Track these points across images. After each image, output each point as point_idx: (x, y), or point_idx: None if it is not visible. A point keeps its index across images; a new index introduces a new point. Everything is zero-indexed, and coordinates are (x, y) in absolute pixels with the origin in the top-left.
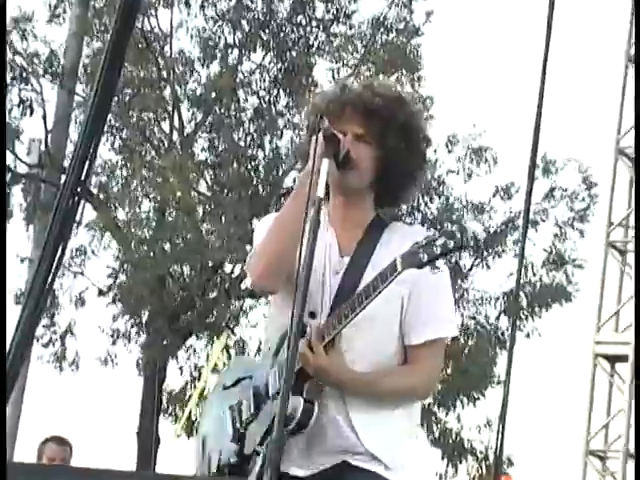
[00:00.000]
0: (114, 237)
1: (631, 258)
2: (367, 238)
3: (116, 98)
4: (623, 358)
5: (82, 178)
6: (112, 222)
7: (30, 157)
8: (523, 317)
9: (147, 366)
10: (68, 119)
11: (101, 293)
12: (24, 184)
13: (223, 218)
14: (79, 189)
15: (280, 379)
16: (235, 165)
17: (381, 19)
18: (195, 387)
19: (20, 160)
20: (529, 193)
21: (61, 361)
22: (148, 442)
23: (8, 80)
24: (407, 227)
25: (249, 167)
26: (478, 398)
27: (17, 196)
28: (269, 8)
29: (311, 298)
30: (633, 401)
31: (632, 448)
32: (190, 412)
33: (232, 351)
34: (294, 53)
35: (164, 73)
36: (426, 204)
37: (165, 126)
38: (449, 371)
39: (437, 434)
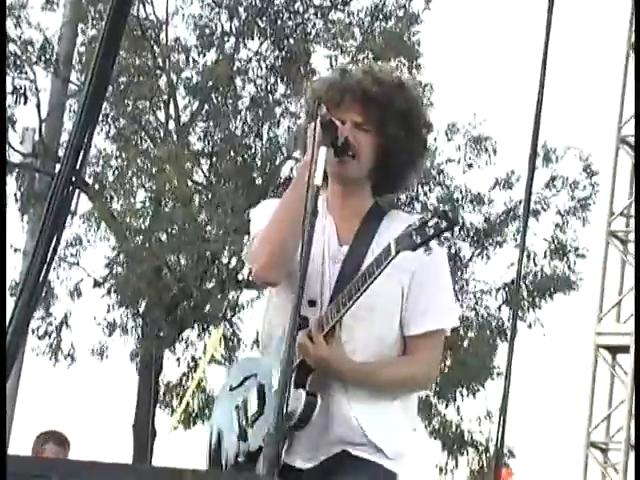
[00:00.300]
0: (109, 228)
1: (632, 247)
2: (366, 226)
3: (111, 86)
4: (625, 349)
5: (77, 167)
6: (107, 212)
7: (24, 146)
8: (525, 308)
9: (143, 358)
10: (62, 107)
11: (96, 284)
12: (18, 173)
13: (220, 208)
14: (74, 178)
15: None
16: (232, 154)
17: (380, 6)
18: (192, 378)
19: (14, 149)
20: (530, 182)
21: (56, 353)
22: (144, 435)
23: None
24: (406, 215)
25: (246, 156)
26: (478, 390)
27: (11, 186)
28: None
29: (310, 287)
30: (635, 392)
31: (634, 440)
32: (187, 404)
33: (230, 342)
34: (292, 41)
35: (160, 61)
36: (425, 194)
37: (161, 115)
38: (449, 362)
39: (437, 426)
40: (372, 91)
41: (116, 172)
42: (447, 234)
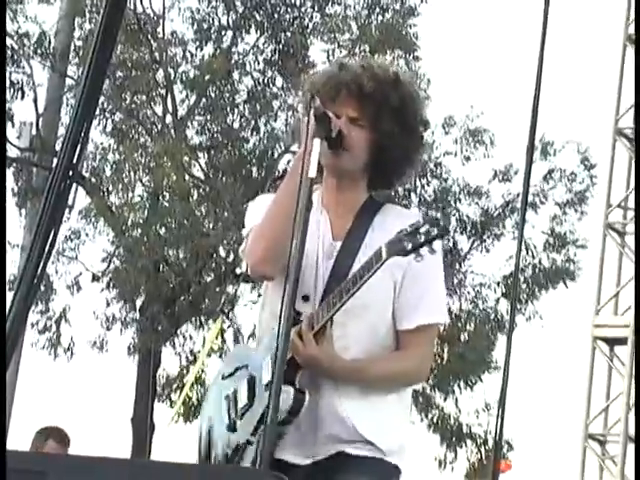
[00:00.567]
0: (107, 222)
1: (630, 239)
2: (359, 222)
3: (108, 81)
4: (622, 341)
5: (74, 161)
6: (105, 207)
7: (21, 140)
8: (523, 300)
9: (142, 352)
10: (60, 102)
11: (95, 278)
12: (15, 168)
13: (218, 202)
14: (71, 173)
15: (273, 368)
16: (229, 148)
17: None
18: (190, 372)
19: (11, 144)
20: (527, 175)
21: (56, 347)
22: (143, 428)
23: None
24: (401, 210)
25: (244, 150)
26: (476, 383)
27: (8, 180)
28: None
29: (304, 282)
30: (633, 384)
31: (632, 431)
32: (186, 397)
33: (227, 336)
34: (289, 34)
35: (157, 55)
36: (423, 187)
37: (158, 109)
38: (447, 356)
39: (435, 419)
40: (367, 87)
41: (114, 166)
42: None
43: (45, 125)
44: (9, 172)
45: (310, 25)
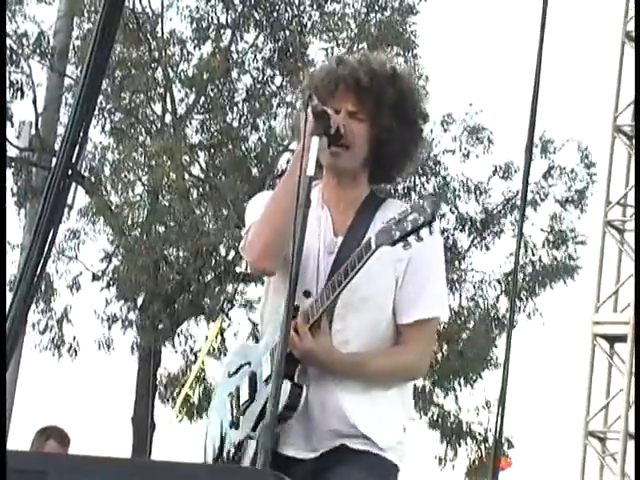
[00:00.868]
0: (107, 221)
1: (629, 237)
2: (360, 217)
3: (107, 80)
4: (622, 338)
5: (73, 160)
6: (105, 206)
7: (21, 140)
8: (523, 298)
9: (142, 351)
10: (59, 101)
11: (95, 278)
12: (15, 168)
13: (217, 200)
14: (70, 172)
15: (272, 363)
16: (229, 146)
17: None
18: (191, 371)
19: (11, 144)
20: (526, 172)
21: (59, 347)
22: (143, 428)
23: None
24: (402, 205)
25: (243, 148)
26: (476, 380)
27: (8, 180)
28: None
29: (306, 278)
30: (633, 381)
31: (632, 429)
32: (186, 396)
33: (227, 335)
34: (287, 32)
35: (155, 54)
36: (423, 185)
37: (157, 108)
38: (447, 353)
39: (436, 417)
40: (364, 81)
41: (113, 165)
42: (442, 224)
43: (44, 125)
44: (8, 172)
45: (309, 23)
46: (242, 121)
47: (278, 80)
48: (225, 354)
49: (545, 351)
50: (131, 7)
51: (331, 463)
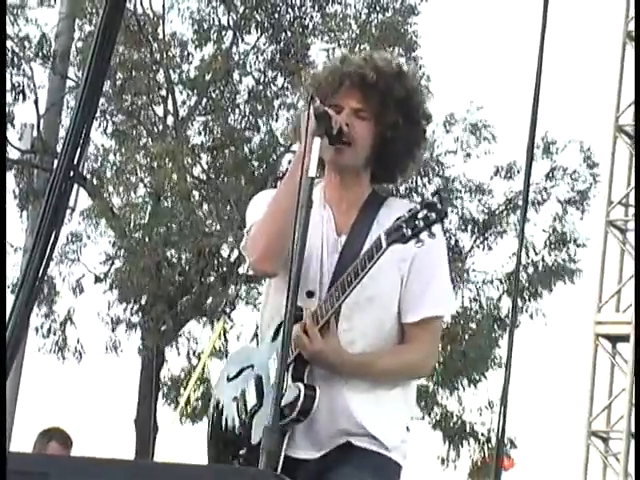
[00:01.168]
0: (109, 223)
1: (631, 236)
2: (363, 216)
3: (109, 82)
4: (624, 338)
5: (75, 163)
6: (107, 208)
7: (22, 142)
8: (526, 298)
9: (145, 352)
10: (60, 104)
11: (98, 280)
12: (17, 170)
13: (219, 202)
14: (72, 174)
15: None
16: (231, 148)
17: None
18: (193, 372)
19: (12, 146)
20: (528, 173)
21: (62, 350)
22: (146, 430)
23: None
24: (405, 202)
25: (245, 150)
26: (479, 380)
27: (10, 182)
28: None
29: (309, 278)
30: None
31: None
32: (188, 398)
33: (229, 336)
34: (289, 34)
35: (157, 56)
36: (424, 185)
37: (159, 110)
38: (450, 353)
39: (438, 417)
40: (371, 78)
41: (115, 168)
42: (445, 224)
43: (46, 127)
44: (10, 174)
45: (310, 25)
46: (244, 122)
47: (280, 81)
48: (227, 356)
49: (548, 351)
50: (132, 9)
51: (335, 463)
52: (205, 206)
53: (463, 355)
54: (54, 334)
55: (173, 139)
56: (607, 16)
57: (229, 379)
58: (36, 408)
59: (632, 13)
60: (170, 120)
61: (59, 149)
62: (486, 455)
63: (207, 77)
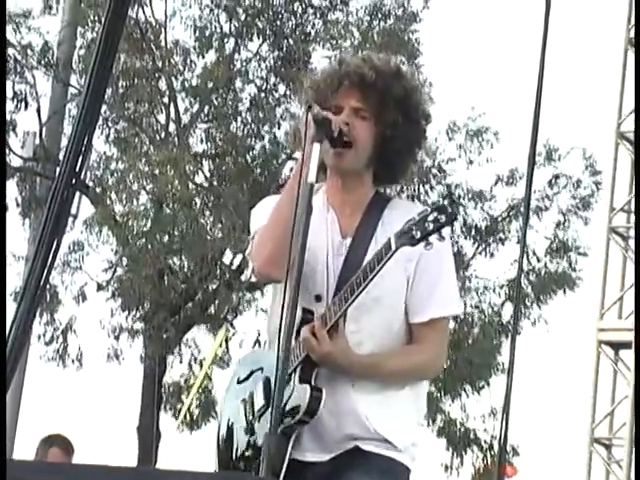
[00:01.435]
0: (112, 231)
1: (633, 243)
2: (368, 217)
3: (111, 90)
4: (627, 345)
5: (77, 170)
6: (109, 216)
7: (25, 150)
8: (528, 305)
9: (147, 360)
10: (63, 111)
11: (100, 288)
12: (19, 178)
13: (222, 210)
14: (74, 181)
15: (289, 368)
16: (233, 155)
17: (378, 5)
18: (196, 380)
19: (15, 154)
20: (529, 180)
21: (64, 358)
22: (149, 437)
23: None
24: (409, 204)
25: (247, 157)
26: (482, 387)
27: (12, 190)
28: None
29: (316, 282)
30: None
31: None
32: (191, 405)
33: (232, 344)
34: (291, 41)
35: (159, 63)
36: (426, 193)
37: (161, 117)
38: (453, 360)
39: (442, 424)
40: (370, 77)
41: (117, 175)
42: (448, 229)
43: (48, 135)
44: (12, 182)
45: (312, 32)
46: (246, 130)
47: (282, 89)
48: (229, 364)
49: (550, 358)
50: (134, 17)
51: (343, 467)
52: (207, 213)
53: (466, 362)
54: (56, 342)
55: (175, 147)
56: (609, 22)
57: (239, 381)
58: (38, 415)
59: (634, 20)
60: (172, 127)
61: (61, 157)
62: (488, 462)
63: (209, 84)
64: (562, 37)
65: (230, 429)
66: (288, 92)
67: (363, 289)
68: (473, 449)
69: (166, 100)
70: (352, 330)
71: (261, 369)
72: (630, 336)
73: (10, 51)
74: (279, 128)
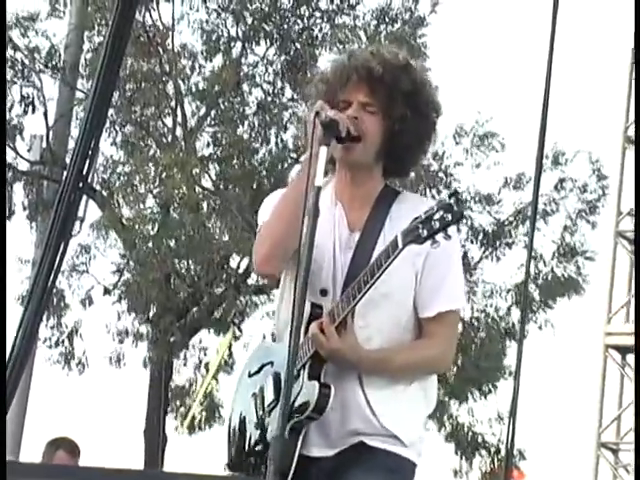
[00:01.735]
0: (119, 235)
1: None
2: (376, 212)
3: (118, 93)
4: (634, 349)
5: (84, 173)
6: (116, 219)
7: (32, 154)
8: (535, 309)
9: (154, 364)
10: (70, 115)
11: (107, 292)
12: (26, 181)
13: (228, 213)
14: (81, 184)
15: (298, 364)
16: (240, 159)
17: (386, 9)
18: (202, 383)
19: (22, 157)
20: (537, 184)
21: (69, 361)
22: (155, 440)
23: (9, 77)
24: (417, 198)
25: (254, 161)
26: (490, 391)
27: (19, 194)
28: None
29: (322, 276)
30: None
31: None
32: (197, 408)
33: (238, 347)
34: (298, 45)
35: (166, 67)
36: (433, 197)
37: (168, 121)
38: (460, 364)
39: (450, 429)
40: (377, 71)
41: (123, 179)
42: (454, 227)
43: (55, 138)
44: (19, 186)
45: (319, 36)
46: (253, 134)
47: (289, 92)
48: (233, 367)
49: (557, 362)
50: (142, 20)
51: (348, 463)
52: (214, 217)
53: (473, 366)
54: (62, 345)
55: (182, 150)
56: (616, 27)
57: (250, 375)
58: (45, 418)
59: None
60: (179, 131)
61: (68, 160)
62: (495, 466)
63: (216, 88)
64: (569, 41)
65: (242, 422)
66: (295, 96)
67: (371, 286)
68: (481, 453)
69: (173, 104)
70: (361, 325)
71: (271, 363)
72: None
73: (17, 54)
74: (286, 132)
